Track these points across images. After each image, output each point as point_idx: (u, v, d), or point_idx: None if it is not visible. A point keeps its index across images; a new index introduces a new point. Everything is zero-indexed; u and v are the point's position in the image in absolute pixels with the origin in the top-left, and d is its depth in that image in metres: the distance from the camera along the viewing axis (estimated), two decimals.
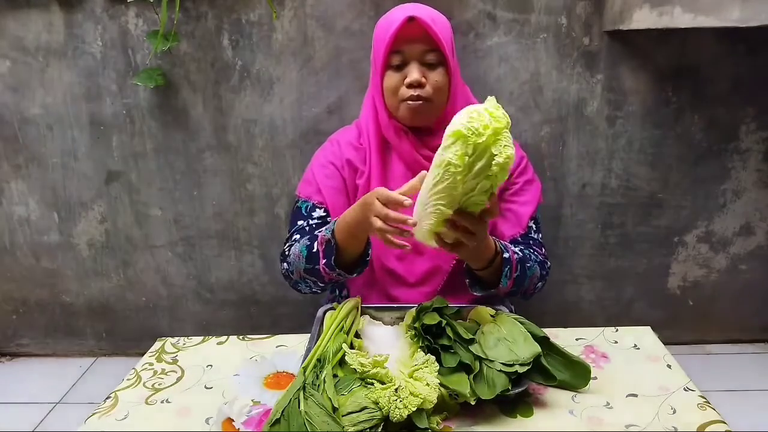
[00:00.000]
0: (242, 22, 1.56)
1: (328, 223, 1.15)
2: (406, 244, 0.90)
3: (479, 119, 0.77)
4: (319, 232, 1.06)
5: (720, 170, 1.71)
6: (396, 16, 1.08)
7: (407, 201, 0.85)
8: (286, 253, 1.13)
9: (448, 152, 0.78)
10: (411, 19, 1.05)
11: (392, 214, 0.87)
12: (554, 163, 1.69)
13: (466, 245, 0.89)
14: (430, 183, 0.82)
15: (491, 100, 0.81)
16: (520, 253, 1.09)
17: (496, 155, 0.77)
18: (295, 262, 1.08)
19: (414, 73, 1.07)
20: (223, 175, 1.73)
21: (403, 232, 0.88)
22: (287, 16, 1.56)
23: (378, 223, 0.88)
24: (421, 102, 1.09)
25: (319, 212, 1.17)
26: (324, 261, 1.02)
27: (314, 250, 1.04)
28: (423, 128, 1.14)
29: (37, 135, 1.71)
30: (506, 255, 1.04)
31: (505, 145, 0.77)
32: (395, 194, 0.87)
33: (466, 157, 0.77)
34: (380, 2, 1.53)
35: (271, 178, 1.72)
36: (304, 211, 1.18)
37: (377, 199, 0.89)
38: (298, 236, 1.14)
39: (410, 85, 1.08)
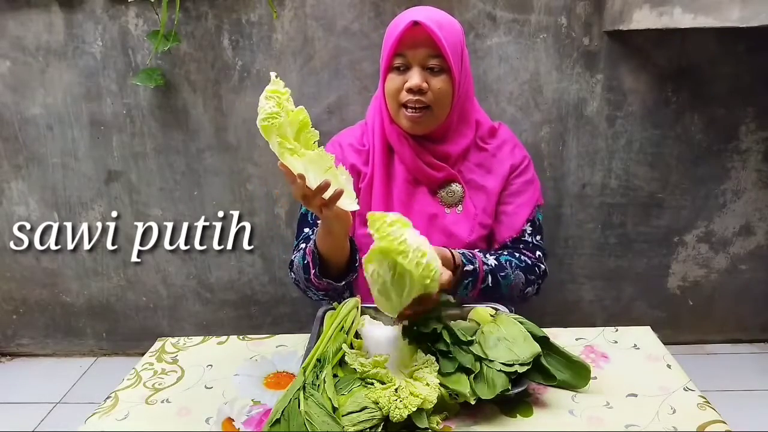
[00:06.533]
0: (242, 22, 1.56)
1: None
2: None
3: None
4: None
5: (720, 170, 1.71)
6: (403, 18, 1.06)
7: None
8: (294, 262, 1.14)
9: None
10: (416, 23, 1.03)
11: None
12: (554, 163, 1.69)
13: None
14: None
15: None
16: (495, 262, 1.08)
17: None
18: (298, 272, 1.09)
19: (415, 77, 1.05)
20: (223, 175, 1.73)
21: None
22: (287, 16, 1.56)
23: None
24: (420, 113, 1.07)
25: None
26: (313, 271, 1.02)
27: (306, 261, 1.04)
28: (425, 134, 1.13)
29: (37, 135, 1.71)
30: (469, 267, 1.03)
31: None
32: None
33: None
34: (380, 3, 1.53)
35: (271, 178, 1.72)
36: (310, 219, 1.17)
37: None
38: (304, 245, 1.14)
39: (410, 90, 1.06)
